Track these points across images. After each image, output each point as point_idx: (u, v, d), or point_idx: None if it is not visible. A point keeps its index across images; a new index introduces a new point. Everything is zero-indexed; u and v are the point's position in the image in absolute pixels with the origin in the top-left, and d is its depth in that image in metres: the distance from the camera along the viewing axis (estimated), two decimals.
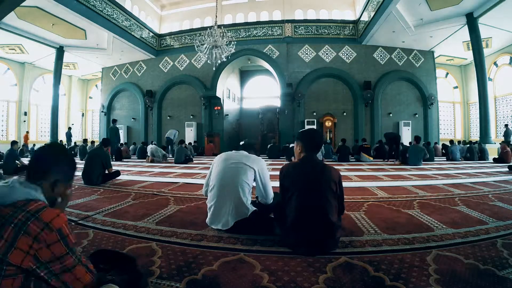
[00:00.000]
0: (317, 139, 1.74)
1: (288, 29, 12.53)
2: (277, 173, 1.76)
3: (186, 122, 13.40)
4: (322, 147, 8.29)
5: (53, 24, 10.13)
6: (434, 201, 2.82)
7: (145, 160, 8.40)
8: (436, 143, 11.09)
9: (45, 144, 1.15)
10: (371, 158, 8.64)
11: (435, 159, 8.79)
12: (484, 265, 1.32)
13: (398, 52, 12.39)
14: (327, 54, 12.43)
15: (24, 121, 14.04)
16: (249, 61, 13.72)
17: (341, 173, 1.73)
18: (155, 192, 3.30)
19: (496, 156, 8.30)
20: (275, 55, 12.45)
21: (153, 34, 13.59)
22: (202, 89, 12.88)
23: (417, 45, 12.05)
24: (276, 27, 12.68)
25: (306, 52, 12.46)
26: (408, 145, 8.82)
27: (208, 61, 9.12)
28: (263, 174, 1.93)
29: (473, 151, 8.94)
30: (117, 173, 4.35)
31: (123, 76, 14.66)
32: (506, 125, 10.21)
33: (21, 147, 10.49)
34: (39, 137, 15.27)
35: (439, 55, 13.00)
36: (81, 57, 13.54)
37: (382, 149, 9.10)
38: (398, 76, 12.31)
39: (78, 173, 4.65)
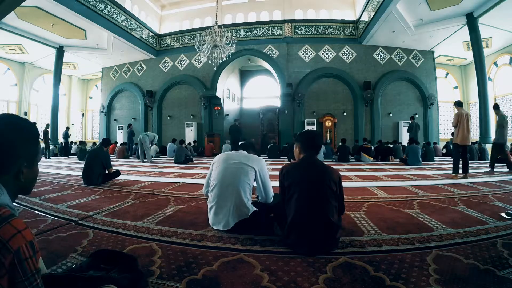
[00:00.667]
0: (316, 140, 1.74)
1: (288, 29, 12.53)
2: (277, 173, 1.76)
3: (186, 122, 13.40)
4: (323, 147, 8.31)
5: (53, 24, 10.12)
6: (434, 201, 2.82)
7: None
8: (435, 143, 11.08)
9: None
10: (371, 158, 8.64)
11: (435, 159, 8.81)
12: (484, 265, 1.32)
13: (398, 52, 12.39)
14: (327, 54, 12.43)
15: None
16: (249, 61, 13.72)
17: (341, 173, 1.73)
18: (155, 192, 3.30)
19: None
20: (275, 55, 12.44)
21: (153, 34, 13.59)
22: (202, 89, 12.88)
23: (417, 45, 12.04)
24: (276, 27, 12.68)
25: (306, 52, 12.46)
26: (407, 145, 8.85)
27: (209, 61, 9.13)
28: (263, 173, 1.94)
29: (473, 151, 8.94)
30: (117, 173, 4.35)
31: (123, 76, 14.66)
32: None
33: None
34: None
35: (439, 55, 12.99)
36: (81, 57, 13.53)
37: (382, 149, 9.10)
38: (398, 76, 12.30)
39: (78, 173, 4.68)
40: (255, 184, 1.97)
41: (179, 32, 13.81)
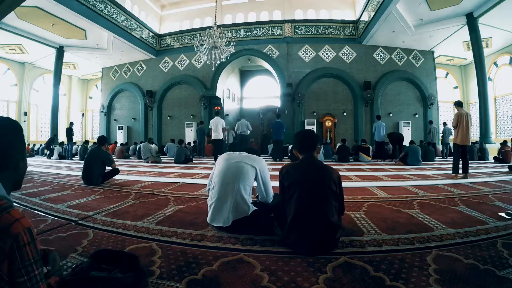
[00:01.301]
0: (308, 139, 1.70)
1: (288, 29, 12.52)
2: (277, 173, 1.76)
3: (186, 122, 13.39)
4: (322, 148, 8.32)
5: (53, 24, 10.13)
6: (434, 201, 2.82)
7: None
8: (435, 143, 11.07)
9: None
10: (370, 158, 8.67)
11: (435, 159, 8.81)
12: (484, 265, 1.32)
13: (398, 52, 12.38)
14: (327, 54, 12.43)
15: (24, 121, 14.04)
16: (249, 61, 13.71)
17: (341, 173, 1.73)
18: (155, 192, 3.30)
19: (496, 155, 8.33)
20: (275, 55, 12.44)
21: (153, 34, 13.59)
22: (202, 89, 12.88)
23: (417, 45, 12.04)
24: (276, 27, 12.67)
25: (306, 52, 12.46)
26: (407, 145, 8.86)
27: (208, 62, 9.13)
28: (264, 173, 1.97)
29: (473, 151, 8.94)
30: (116, 170, 4.31)
31: (123, 76, 14.66)
32: None
33: None
34: (39, 137, 15.27)
35: (439, 55, 12.99)
36: (81, 57, 13.54)
37: (382, 149, 9.09)
38: (398, 76, 12.29)
39: (78, 173, 4.68)
40: (255, 184, 1.99)
41: (179, 32, 13.80)
